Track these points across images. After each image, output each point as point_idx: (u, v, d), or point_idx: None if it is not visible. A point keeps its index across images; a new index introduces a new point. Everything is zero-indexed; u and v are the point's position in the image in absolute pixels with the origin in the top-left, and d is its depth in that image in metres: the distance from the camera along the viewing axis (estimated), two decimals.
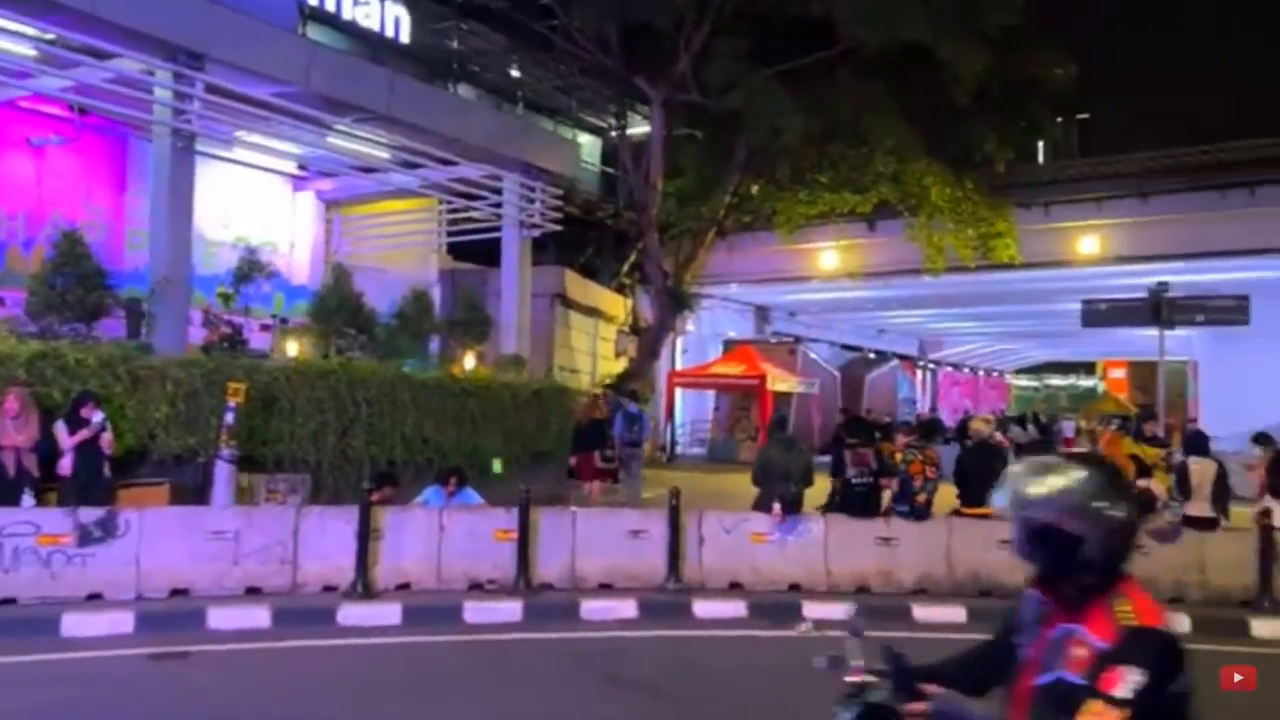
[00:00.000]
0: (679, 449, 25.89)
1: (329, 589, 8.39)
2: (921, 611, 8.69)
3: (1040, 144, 27.43)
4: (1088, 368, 56.15)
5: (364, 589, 8.36)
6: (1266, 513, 9.07)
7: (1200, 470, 9.44)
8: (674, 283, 23.89)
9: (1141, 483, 9.58)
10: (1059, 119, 27.09)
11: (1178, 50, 31.66)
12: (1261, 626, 8.42)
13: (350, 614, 7.97)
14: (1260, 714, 6.20)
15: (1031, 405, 51.48)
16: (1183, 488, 9.39)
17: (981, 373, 49.46)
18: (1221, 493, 9.39)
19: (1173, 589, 9.11)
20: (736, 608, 8.73)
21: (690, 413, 27.50)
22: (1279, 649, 8.07)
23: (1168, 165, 21.64)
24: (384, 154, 16.73)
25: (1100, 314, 14.83)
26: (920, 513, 9.36)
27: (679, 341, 26.93)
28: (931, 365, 43.09)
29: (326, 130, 15.35)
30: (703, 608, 8.69)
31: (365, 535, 8.43)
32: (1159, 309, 13.28)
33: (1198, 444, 10.12)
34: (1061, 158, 27.51)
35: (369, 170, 17.03)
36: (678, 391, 25.54)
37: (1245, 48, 29.13)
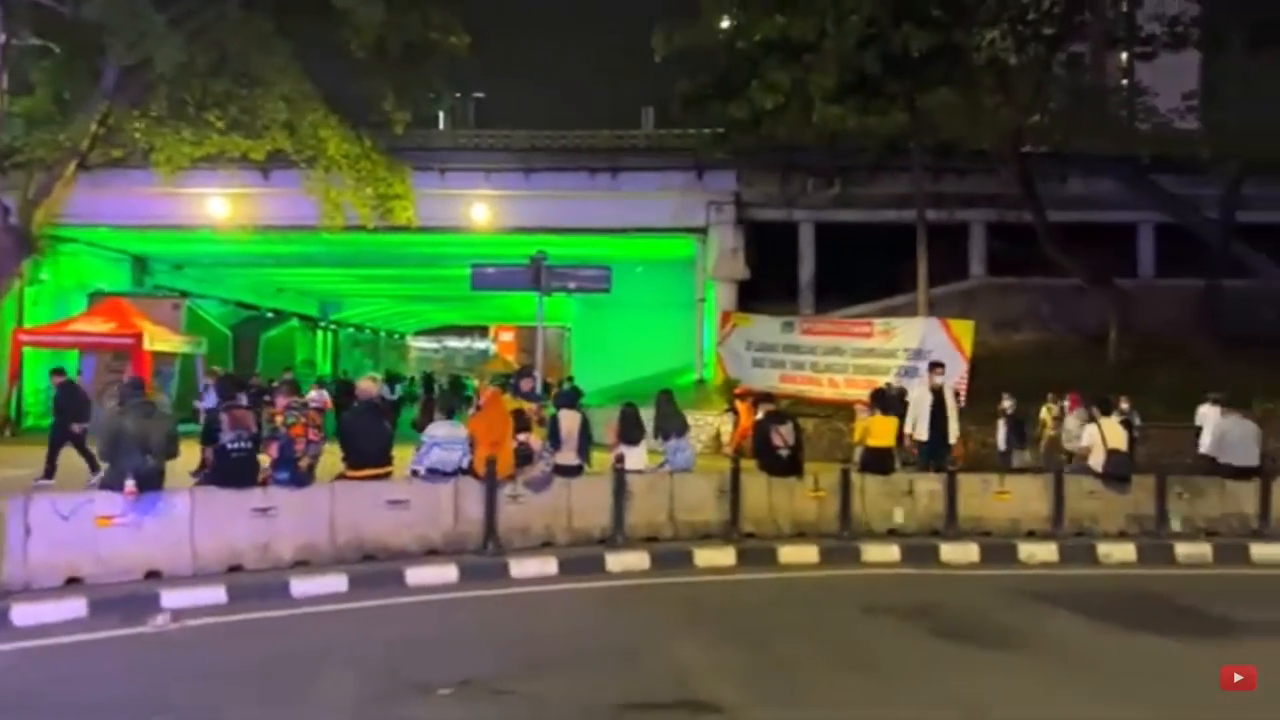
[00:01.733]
0: (29, 420, 21.79)
1: None
2: (300, 586, 8.08)
3: (441, 113, 28.13)
4: (482, 331, 60.16)
5: None
6: (620, 458, 10.10)
7: (569, 422, 10.21)
8: (20, 221, 19.85)
9: (522, 436, 10.03)
10: (458, 94, 27.99)
11: (564, 41, 35.02)
12: (614, 561, 9.33)
13: None
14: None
15: (430, 365, 53.68)
16: (554, 439, 10.06)
17: (384, 334, 50.06)
18: (584, 442, 10.26)
19: (544, 534, 9.73)
20: (74, 608, 7.26)
21: (47, 377, 23.29)
22: (628, 580, 9.03)
23: (548, 144, 23.60)
24: None
25: (487, 278, 15.50)
26: (302, 479, 8.70)
27: (28, 292, 22.60)
28: (333, 326, 42.35)
29: None
30: (25, 613, 7.07)
31: None
32: (538, 276, 14.21)
33: (567, 398, 11.01)
34: (460, 129, 28.53)
35: None
36: (28, 352, 21.38)
37: (615, 45, 33.06)
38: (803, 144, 22.67)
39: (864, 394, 14.42)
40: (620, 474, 9.89)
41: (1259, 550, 10.38)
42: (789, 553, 9.94)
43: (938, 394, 12.25)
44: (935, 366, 12.98)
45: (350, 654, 6.58)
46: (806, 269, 24.01)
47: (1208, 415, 14.09)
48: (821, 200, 23.82)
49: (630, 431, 10.87)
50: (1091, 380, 18.07)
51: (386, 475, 9.29)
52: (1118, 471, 10.98)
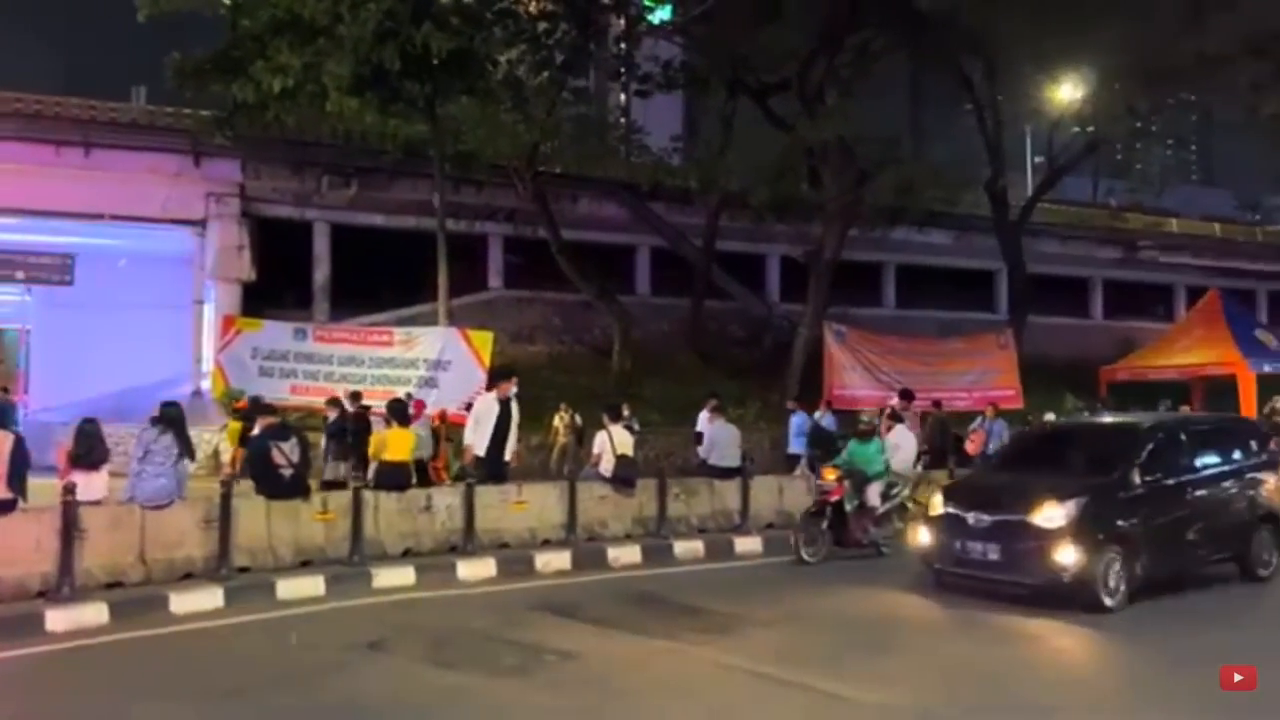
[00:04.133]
0: None
1: None
2: None
3: None
4: None
5: None
6: (70, 488, 8.16)
7: None
8: None
9: None
10: None
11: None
12: (59, 618, 7.47)
13: None
14: None
15: None
16: None
17: None
18: (18, 469, 8.13)
19: None
20: None
21: None
22: (78, 641, 7.25)
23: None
24: None
25: None
26: None
27: None
28: None
29: None
30: None
31: None
32: None
33: None
34: None
35: None
36: None
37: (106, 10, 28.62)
38: (318, 138, 21.27)
39: (383, 405, 13.53)
40: (71, 507, 7.98)
41: (741, 544, 11.36)
42: (290, 586, 8.78)
43: (505, 405, 11.51)
44: (507, 376, 12.10)
45: None
46: (322, 272, 22.54)
47: (704, 420, 15.42)
48: (338, 200, 22.51)
49: (90, 453, 8.91)
50: (598, 389, 19.12)
51: None
52: (625, 475, 11.39)
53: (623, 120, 35.85)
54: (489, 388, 12.98)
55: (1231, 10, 20.73)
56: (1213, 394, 21.20)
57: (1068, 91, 22.75)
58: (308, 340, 18.84)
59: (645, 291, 25.85)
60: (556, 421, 17.62)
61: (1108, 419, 12.73)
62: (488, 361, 17.71)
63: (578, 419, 17.24)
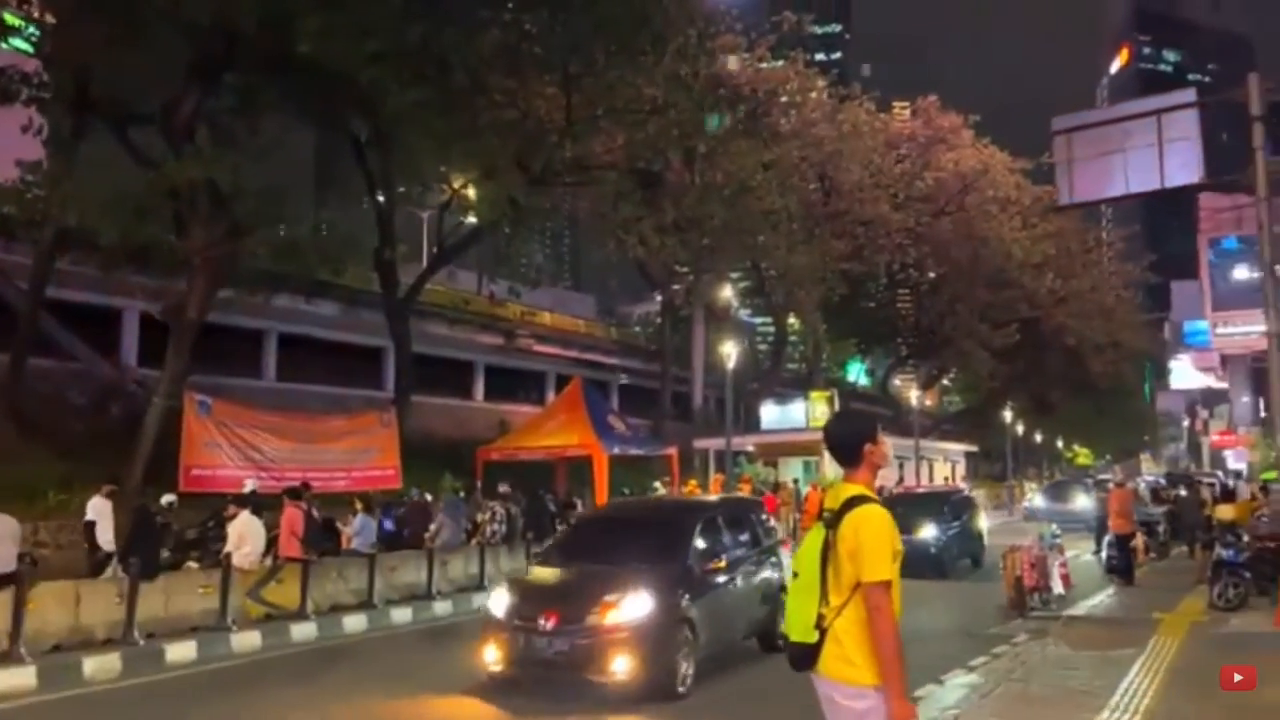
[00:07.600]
0: None
1: None
2: None
3: None
4: None
5: None
6: None
7: None
8: None
9: None
10: None
11: None
12: None
13: None
14: None
15: None
16: None
17: None
18: None
19: None
20: None
21: None
22: None
23: None
24: None
25: None
26: None
27: None
28: None
29: None
30: None
31: None
32: None
33: None
34: None
35: None
36: None
37: None
38: None
39: None
40: None
41: (3, 679, 8.37)
42: None
43: None
44: None
45: None
46: None
47: (100, 508, 11.89)
48: None
49: None
50: None
51: None
52: None
53: None
54: None
55: (595, 124, 23.00)
56: (574, 473, 22.66)
57: (456, 174, 23.23)
58: None
59: None
60: None
61: None
62: None
63: None
